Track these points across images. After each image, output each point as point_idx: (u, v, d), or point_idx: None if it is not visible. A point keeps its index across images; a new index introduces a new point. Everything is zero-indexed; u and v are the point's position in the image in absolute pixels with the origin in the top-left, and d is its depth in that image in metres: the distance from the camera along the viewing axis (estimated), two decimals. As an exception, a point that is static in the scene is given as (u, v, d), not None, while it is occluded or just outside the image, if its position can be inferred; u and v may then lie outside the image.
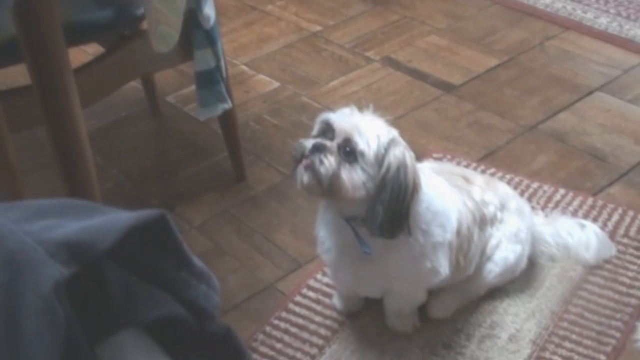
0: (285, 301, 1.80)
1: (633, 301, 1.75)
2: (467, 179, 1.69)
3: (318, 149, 1.39)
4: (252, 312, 1.79)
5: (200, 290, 0.67)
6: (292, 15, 3.01)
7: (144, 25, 1.89)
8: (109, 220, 0.62)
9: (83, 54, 2.30)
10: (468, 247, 1.61)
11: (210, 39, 1.91)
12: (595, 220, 1.95)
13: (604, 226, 1.94)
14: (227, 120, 2.10)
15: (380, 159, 1.38)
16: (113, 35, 1.98)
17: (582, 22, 2.81)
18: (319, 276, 1.86)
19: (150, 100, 2.49)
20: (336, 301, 1.77)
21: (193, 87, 2.04)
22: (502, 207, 1.70)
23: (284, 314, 1.76)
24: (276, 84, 2.60)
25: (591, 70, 2.57)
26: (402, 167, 1.38)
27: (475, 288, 1.74)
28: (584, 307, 1.74)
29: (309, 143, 1.41)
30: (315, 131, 1.47)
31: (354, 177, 1.38)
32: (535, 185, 2.08)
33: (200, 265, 0.68)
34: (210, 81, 1.96)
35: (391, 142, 1.40)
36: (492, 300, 1.76)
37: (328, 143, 1.39)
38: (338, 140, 1.40)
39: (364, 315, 1.75)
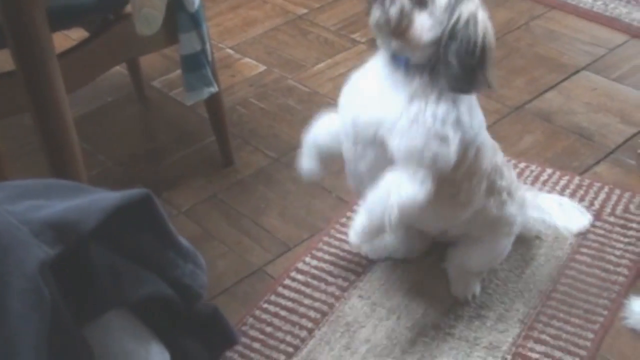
0: (274, 285, 1.80)
1: (620, 279, 1.76)
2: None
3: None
4: (242, 296, 1.79)
5: (186, 270, 0.66)
6: (278, -2, 3.00)
7: (128, 8, 1.88)
8: (94, 200, 0.61)
9: (67, 39, 2.29)
10: (475, 176, 1.58)
11: (195, 22, 1.90)
12: (582, 199, 1.96)
13: (590, 205, 1.95)
14: (214, 104, 2.09)
15: (451, 9, 1.38)
16: (97, 20, 1.97)
17: (567, 1, 2.81)
18: (307, 259, 1.86)
19: (136, 85, 2.47)
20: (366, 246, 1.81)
21: (179, 72, 2.04)
22: (509, 192, 1.69)
23: (273, 298, 1.77)
24: (262, 68, 2.59)
25: (577, 50, 2.57)
26: (472, 19, 1.37)
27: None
28: (572, 286, 1.75)
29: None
30: None
31: (422, 21, 1.37)
32: (522, 165, 2.09)
33: (186, 244, 0.68)
34: (196, 65, 1.95)
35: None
36: (480, 281, 1.77)
37: None
38: None
39: (352, 297, 1.75)
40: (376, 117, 1.45)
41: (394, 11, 1.36)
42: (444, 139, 1.43)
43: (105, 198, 0.61)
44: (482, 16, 1.39)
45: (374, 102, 1.47)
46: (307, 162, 1.66)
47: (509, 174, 1.68)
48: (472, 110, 1.50)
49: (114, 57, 1.97)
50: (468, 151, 1.50)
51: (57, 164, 1.67)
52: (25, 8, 1.50)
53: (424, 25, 1.38)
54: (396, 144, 1.43)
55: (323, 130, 1.63)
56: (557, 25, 2.70)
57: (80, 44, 1.88)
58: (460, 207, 1.60)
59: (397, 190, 1.45)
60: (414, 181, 1.45)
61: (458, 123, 1.45)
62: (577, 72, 2.47)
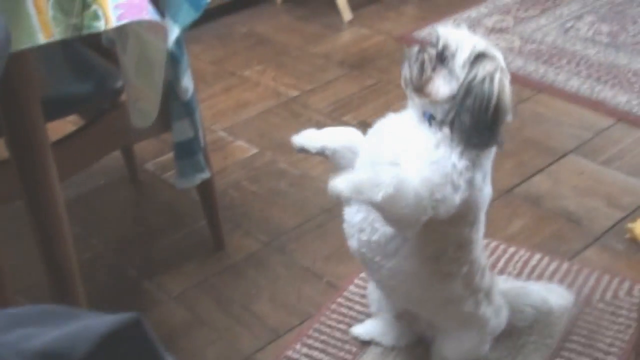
0: (264, 373, 1.80)
1: (610, 367, 1.76)
2: None
3: (419, 52, 1.46)
4: (231, 384, 1.79)
5: (174, 390, 0.67)
6: (270, 80, 3.05)
7: (123, 97, 1.92)
8: (85, 327, 0.63)
9: (64, 123, 2.32)
10: (462, 249, 1.60)
11: (188, 110, 1.93)
12: (571, 285, 1.97)
13: (579, 291, 1.95)
14: (206, 188, 2.11)
15: (469, 66, 1.43)
16: (93, 108, 2.00)
17: (553, 84, 2.86)
18: (297, 347, 1.86)
19: (129, 168, 2.50)
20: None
21: (172, 154, 2.05)
22: (487, 294, 1.71)
23: (263, 386, 1.76)
24: (254, 150, 2.63)
25: (564, 133, 2.61)
26: (488, 78, 1.42)
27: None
28: (562, 375, 1.76)
29: (414, 50, 1.48)
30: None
31: (441, 77, 1.45)
32: (511, 249, 2.10)
33: (174, 364, 0.69)
34: (188, 152, 1.97)
35: (486, 55, 1.45)
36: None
37: (429, 50, 1.47)
38: (438, 47, 1.46)
39: (343, 386, 1.75)
40: (401, 143, 1.50)
41: (416, 67, 1.45)
42: (456, 187, 1.47)
43: (96, 325, 0.62)
44: (500, 77, 1.44)
45: (403, 138, 1.51)
46: (307, 140, 1.66)
47: (490, 278, 1.70)
48: (485, 177, 1.54)
49: (108, 145, 2.00)
50: (468, 214, 1.54)
51: (47, 251, 1.68)
52: (21, 100, 1.52)
53: (442, 81, 1.45)
54: (414, 167, 1.46)
55: (343, 135, 1.66)
56: (544, 109, 2.75)
57: (75, 132, 1.91)
58: (437, 275, 1.60)
59: (409, 176, 1.45)
60: (419, 200, 1.45)
61: (471, 183, 1.49)
62: (565, 155, 2.50)
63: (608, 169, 2.42)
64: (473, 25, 3.32)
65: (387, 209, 1.46)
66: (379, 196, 1.42)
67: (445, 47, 1.46)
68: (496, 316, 1.73)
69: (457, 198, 1.48)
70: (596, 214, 2.23)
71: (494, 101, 1.42)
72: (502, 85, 1.44)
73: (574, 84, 2.86)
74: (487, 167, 1.54)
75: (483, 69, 1.43)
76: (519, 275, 2.01)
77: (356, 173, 1.50)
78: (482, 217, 1.61)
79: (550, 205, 2.28)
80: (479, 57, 1.44)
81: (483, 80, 1.43)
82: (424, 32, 3.27)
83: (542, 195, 2.33)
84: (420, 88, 1.47)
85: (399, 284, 1.65)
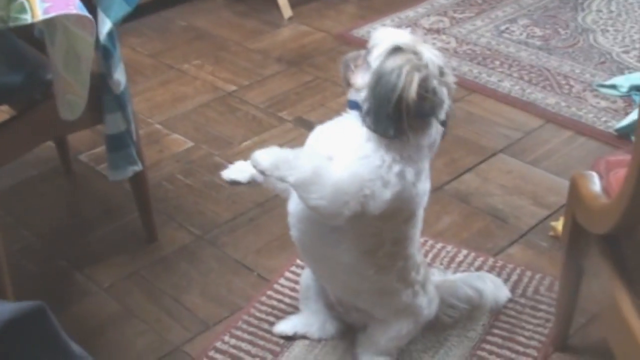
0: (191, 364, 1.81)
1: (529, 360, 1.81)
2: None
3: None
4: (159, 375, 1.79)
5: (77, 375, 0.68)
6: (208, 74, 3.05)
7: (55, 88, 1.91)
8: (-13, 314, 0.63)
9: (-4, 113, 2.30)
10: (399, 244, 1.64)
11: (120, 103, 1.93)
12: (494, 280, 2.02)
13: (503, 286, 2.00)
14: (138, 181, 2.10)
15: (383, 59, 1.50)
16: (24, 99, 1.98)
17: (486, 85, 2.91)
18: (226, 338, 1.87)
19: (62, 159, 2.48)
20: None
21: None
22: (423, 286, 1.75)
23: (190, 377, 1.77)
24: (190, 144, 2.63)
25: (495, 132, 2.65)
26: (397, 71, 1.47)
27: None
28: (482, 367, 1.80)
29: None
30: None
31: (361, 70, 1.55)
32: (439, 245, 2.14)
33: (77, 350, 0.70)
34: (120, 144, 1.97)
35: (402, 49, 1.49)
36: (395, 360, 1.79)
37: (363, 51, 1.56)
38: (369, 45, 1.56)
39: (269, 377, 1.77)
40: (336, 139, 1.57)
41: (347, 63, 1.57)
42: (386, 182, 1.51)
43: (0, 311, 0.63)
44: (408, 70, 1.47)
45: (339, 134, 1.58)
46: (243, 166, 1.68)
47: (425, 272, 1.75)
48: (420, 174, 1.58)
49: (40, 136, 1.98)
50: (402, 210, 1.58)
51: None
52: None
53: (361, 73, 1.54)
54: (343, 162, 1.51)
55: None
56: (477, 109, 2.79)
57: (6, 122, 1.89)
58: (373, 268, 1.64)
59: (331, 170, 1.49)
60: (339, 194, 1.49)
61: (401, 176, 1.52)
62: (494, 154, 2.55)
63: (535, 169, 2.47)
64: (410, 26, 3.36)
65: (300, 193, 1.50)
66: (292, 178, 1.46)
67: (372, 45, 1.54)
68: (429, 306, 1.77)
69: (388, 193, 1.52)
70: (522, 212, 2.28)
71: (397, 92, 1.46)
72: (411, 79, 1.47)
73: (506, 85, 2.91)
74: (421, 163, 1.58)
75: (393, 62, 1.48)
76: (446, 270, 2.04)
77: (282, 150, 1.52)
78: (420, 213, 1.65)
79: (478, 203, 2.33)
80: (394, 51, 1.50)
81: (391, 71, 1.47)
82: (362, 31, 3.30)
83: (471, 192, 2.37)
84: (347, 81, 1.56)
85: (337, 274, 1.69)
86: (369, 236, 1.59)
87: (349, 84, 1.58)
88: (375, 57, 1.51)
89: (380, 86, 1.48)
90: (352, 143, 1.53)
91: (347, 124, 1.58)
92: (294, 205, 1.64)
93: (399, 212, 1.57)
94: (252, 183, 1.65)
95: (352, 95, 1.58)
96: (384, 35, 1.54)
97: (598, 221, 1.48)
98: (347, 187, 1.48)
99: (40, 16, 1.34)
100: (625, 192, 1.32)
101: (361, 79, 1.54)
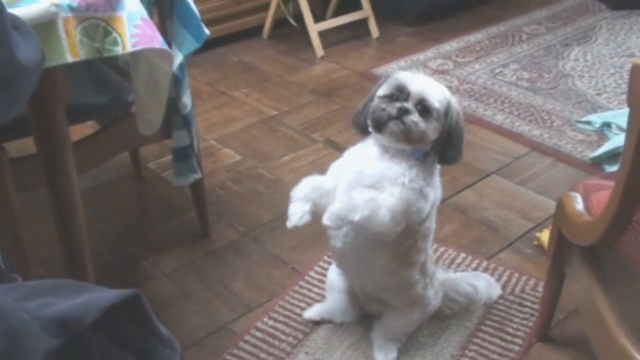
0: (237, 340, 1.79)
1: (516, 348, 1.78)
2: None
3: (404, 112, 1.47)
4: (209, 348, 1.77)
5: (164, 355, 0.67)
6: (255, 101, 3.04)
7: (134, 109, 1.90)
8: (94, 299, 0.62)
9: (84, 127, 2.30)
10: (424, 239, 1.64)
11: (186, 122, 1.92)
12: (488, 280, 1.99)
13: (495, 285, 1.97)
14: (197, 186, 2.09)
15: (446, 112, 1.49)
16: (108, 117, 1.98)
17: (483, 118, 2.89)
18: (265, 319, 1.85)
19: (135, 166, 2.48)
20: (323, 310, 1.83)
21: (171, 157, 2.04)
22: (431, 279, 1.73)
23: (235, 351, 1.75)
24: (239, 157, 2.61)
25: (489, 157, 2.63)
26: (460, 117, 1.52)
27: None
28: (478, 352, 1.76)
29: (393, 109, 1.48)
30: (386, 90, 1.53)
31: (431, 129, 1.49)
32: (442, 249, 2.12)
33: (166, 332, 0.69)
34: (185, 156, 1.97)
35: (450, 99, 1.51)
36: (398, 349, 1.76)
37: (409, 106, 1.48)
38: (414, 101, 1.49)
39: (300, 354, 1.74)
40: (380, 172, 1.52)
41: (414, 127, 1.47)
42: (426, 197, 1.53)
43: (103, 297, 0.62)
44: (456, 105, 1.52)
45: (376, 163, 1.54)
46: (297, 209, 1.57)
47: (432, 266, 1.72)
48: (436, 185, 1.60)
49: (119, 148, 1.98)
50: (431, 213, 1.59)
51: (65, 231, 1.66)
52: (50, 105, 1.51)
53: (432, 131, 1.49)
54: (397, 191, 1.49)
55: (309, 186, 1.59)
56: (474, 137, 2.76)
57: (92, 135, 1.90)
58: (405, 265, 1.63)
59: (382, 199, 1.48)
60: (394, 217, 1.48)
61: (432, 188, 1.56)
62: (489, 175, 2.52)
63: (523, 188, 2.44)
64: (420, 67, 3.34)
65: (366, 226, 1.49)
66: (357, 217, 1.45)
67: (421, 102, 1.48)
68: (435, 298, 1.75)
69: (428, 207, 1.54)
70: (511, 224, 2.25)
71: (464, 130, 1.54)
72: (460, 112, 1.53)
73: (499, 118, 2.88)
74: (434, 178, 1.59)
75: (455, 111, 1.51)
76: (448, 270, 2.02)
77: (334, 205, 1.50)
78: (434, 212, 1.64)
79: (475, 215, 2.30)
80: (449, 104, 1.50)
81: (457, 120, 1.51)
82: (381, 70, 3.28)
83: (469, 206, 2.34)
84: (414, 141, 1.49)
85: (372, 275, 1.66)
86: (405, 239, 1.58)
87: (417, 143, 1.50)
88: (442, 113, 1.48)
89: (457, 134, 1.51)
90: (397, 173, 1.51)
91: (378, 155, 1.55)
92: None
93: (429, 215, 1.58)
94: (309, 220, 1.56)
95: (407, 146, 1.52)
96: (430, 91, 1.49)
97: (582, 236, 1.46)
98: (400, 211, 1.48)
99: (129, 49, 1.33)
100: (608, 212, 1.30)
101: (432, 136, 1.49)
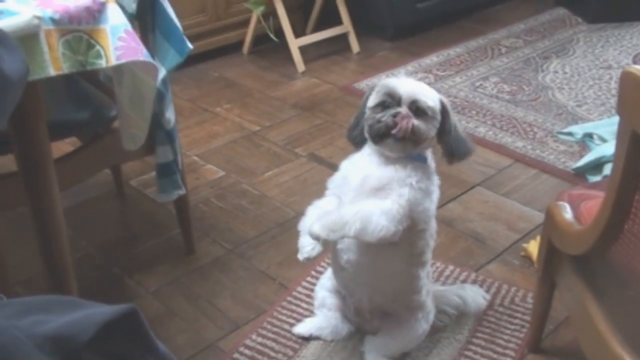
0: (224, 358, 1.75)
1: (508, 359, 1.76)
2: None
3: (395, 116, 1.47)
4: (197, 367, 1.74)
5: (162, 371, 0.64)
6: (236, 116, 3.02)
7: (116, 124, 1.87)
8: (89, 315, 0.59)
9: (64, 144, 2.26)
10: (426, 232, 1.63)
11: (170, 137, 1.89)
12: (477, 292, 1.97)
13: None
14: (181, 203, 2.06)
15: (442, 110, 1.51)
16: (89, 132, 1.94)
17: (465, 130, 2.88)
18: (254, 336, 1.82)
19: (116, 184, 2.44)
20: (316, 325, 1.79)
21: (153, 174, 2.01)
22: (428, 293, 1.72)
23: (224, 369, 1.72)
24: (222, 173, 2.59)
25: (473, 169, 2.62)
26: (451, 111, 1.53)
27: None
28: (469, 365, 1.75)
29: (387, 116, 1.47)
30: (376, 101, 1.52)
31: (428, 127, 1.48)
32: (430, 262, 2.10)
33: (163, 349, 0.66)
34: (168, 172, 1.93)
35: (441, 97, 1.53)
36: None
37: (402, 110, 1.47)
38: (406, 103, 1.48)
39: (290, 370, 1.72)
40: (387, 175, 1.51)
41: (415, 130, 1.47)
42: (430, 194, 1.55)
43: (99, 313, 0.59)
44: (448, 102, 1.55)
45: (379, 167, 1.53)
46: (308, 241, 1.52)
47: (430, 270, 1.74)
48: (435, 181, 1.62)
49: (101, 164, 1.95)
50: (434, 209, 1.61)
51: (47, 248, 1.62)
52: (30, 122, 1.47)
53: (430, 130, 1.50)
54: (405, 191, 1.49)
55: (315, 216, 1.56)
56: (458, 149, 2.76)
57: (74, 152, 1.86)
58: (422, 266, 1.64)
59: (368, 208, 1.47)
60: (393, 214, 1.47)
61: (435, 185, 1.60)
62: (473, 187, 2.51)
63: (508, 199, 2.44)
64: (402, 80, 3.33)
65: (362, 237, 1.47)
66: (350, 232, 1.43)
67: (413, 103, 1.48)
68: (432, 309, 1.76)
69: (434, 206, 1.57)
70: (498, 235, 2.25)
71: (457, 124, 1.55)
72: (452, 111, 1.56)
73: (481, 130, 2.89)
74: (435, 177, 1.61)
75: (447, 108, 1.53)
76: (435, 282, 2.00)
77: (324, 216, 1.48)
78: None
79: (461, 227, 2.29)
80: (441, 102, 1.52)
81: (451, 115, 1.53)
82: (362, 84, 3.28)
83: (455, 218, 2.33)
84: (415, 142, 1.49)
85: (386, 282, 1.65)
86: (418, 240, 1.58)
87: (418, 144, 1.50)
88: (437, 112, 1.49)
89: (454, 129, 1.53)
90: (402, 175, 1.51)
91: (378, 160, 1.54)
92: (347, 240, 1.58)
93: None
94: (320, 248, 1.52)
95: (405, 151, 1.51)
96: (424, 94, 1.49)
97: (573, 244, 1.45)
98: (395, 211, 1.46)
99: (113, 62, 1.31)
100: (599, 221, 1.29)
101: (431, 135, 1.51)
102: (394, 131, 1.46)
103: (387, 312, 1.72)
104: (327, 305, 1.80)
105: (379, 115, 1.48)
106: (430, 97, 1.49)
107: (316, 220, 1.47)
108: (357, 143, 1.58)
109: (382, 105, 1.50)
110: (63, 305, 0.61)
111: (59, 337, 0.56)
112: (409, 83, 1.50)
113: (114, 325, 0.59)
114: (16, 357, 0.52)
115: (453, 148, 1.54)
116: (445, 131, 1.53)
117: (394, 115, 1.46)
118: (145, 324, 0.62)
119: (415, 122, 1.46)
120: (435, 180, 1.61)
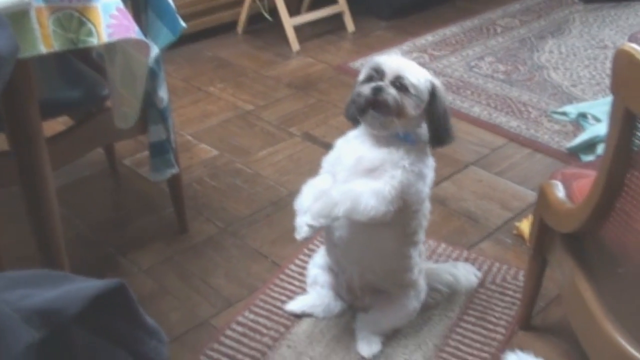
0: (217, 335, 1.76)
1: (498, 336, 1.77)
2: None
3: (379, 89, 1.46)
4: (189, 344, 1.74)
5: (151, 345, 0.65)
6: (230, 96, 3.01)
7: (108, 103, 1.87)
8: (77, 289, 0.60)
9: (56, 123, 2.25)
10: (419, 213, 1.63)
11: (162, 116, 1.89)
12: (469, 270, 1.98)
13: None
14: (174, 181, 2.06)
15: (428, 90, 1.49)
16: (82, 111, 1.94)
17: (460, 110, 2.89)
18: (246, 313, 1.83)
19: (109, 163, 2.44)
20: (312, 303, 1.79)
21: (146, 153, 2.01)
22: (420, 272, 1.73)
23: (216, 346, 1.73)
24: (215, 152, 2.59)
25: (467, 149, 2.63)
26: (444, 95, 1.52)
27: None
28: (460, 342, 1.76)
29: (367, 89, 1.47)
30: (363, 76, 1.53)
31: (409, 103, 1.47)
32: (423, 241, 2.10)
33: (151, 323, 0.66)
34: (161, 151, 1.93)
35: (433, 80, 1.51)
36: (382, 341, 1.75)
37: (383, 83, 1.47)
38: (390, 78, 1.48)
39: (282, 347, 1.72)
40: (380, 156, 1.51)
41: (391, 100, 1.46)
42: (423, 177, 1.55)
43: (87, 287, 0.60)
44: (441, 86, 1.52)
45: (372, 149, 1.53)
46: (303, 233, 1.51)
47: (423, 249, 1.76)
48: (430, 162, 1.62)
49: (94, 143, 1.95)
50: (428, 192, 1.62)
51: (39, 228, 1.62)
52: (21, 100, 1.47)
53: (412, 105, 1.48)
54: (398, 173, 1.49)
55: (311, 195, 1.55)
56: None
57: (66, 131, 1.86)
58: (413, 245, 1.65)
59: (357, 188, 1.48)
60: (384, 195, 1.48)
61: (429, 168, 1.59)
62: (467, 166, 2.52)
63: (501, 179, 2.44)
64: (397, 59, 3.33)
65: (354, 217, 1.48)
66: (340, 212, 1.43)
67: (397, 78, 1.47)
68: (424, 287, 1.77)
69: (427, 188, 1.57)
70: (491, 214, 2.25)
71: (447, 107, 1.54)
72: (444, 92, 1.53)
73: (476, 110, 2.89)
74: (429, 159, 1.61)
75: (438, 89, 1.51)
76: (428, 260, 2.01)
77: (315, 205, 1.49)
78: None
79: (454, 206, 2.30)
80: (432, 85, 1.50)
81: (442, 98, 1.51)
82: (357, 63, 3.27)
83: (448, 197, 2.34)
84: (398, 115, 1.48)
85: (378, 261, 1.66)
86: (411, 220, 1.59)
87: (402, 117, 1.48)
88: (422, 89, 1.47)
89: (443, 111, 1.51)
90: (395, 157, 1.51)
91: (372, 141, 1.54)
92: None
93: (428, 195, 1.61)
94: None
95: (399, 129, 1.51)
96: (409, 69, 1.48)
97: (565, 222, 1.45)
98: (387, 192, 1.47)
99: (105, 39, 1.30)
100: (591, 199, 1.30)
101: (416, 111, 1.49)
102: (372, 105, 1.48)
103: (379, 289, 1.73)
104: (320, 283, 1.81)
105: (361, 89, 1.49)
106: (416, 75, 1.48)
107: (307, 210, 1.47)
108: (352, 119, 1.58)
109: (369, 80, 1.51)
110: (51, 279, 0.62)
111: (46, 311, 0.56)
112: (395, 59, 1.51)
113: (102, 300, 0.59)
114: (2, 331, 0.52)
115: (434, 132, 1.53)
116: (432, 113, 1.51)
117: (375, 89, 1.46)
118: (134, 299, 0.63)
119: (394, 92, 1.46)
120: (430, 163, 1.61)
